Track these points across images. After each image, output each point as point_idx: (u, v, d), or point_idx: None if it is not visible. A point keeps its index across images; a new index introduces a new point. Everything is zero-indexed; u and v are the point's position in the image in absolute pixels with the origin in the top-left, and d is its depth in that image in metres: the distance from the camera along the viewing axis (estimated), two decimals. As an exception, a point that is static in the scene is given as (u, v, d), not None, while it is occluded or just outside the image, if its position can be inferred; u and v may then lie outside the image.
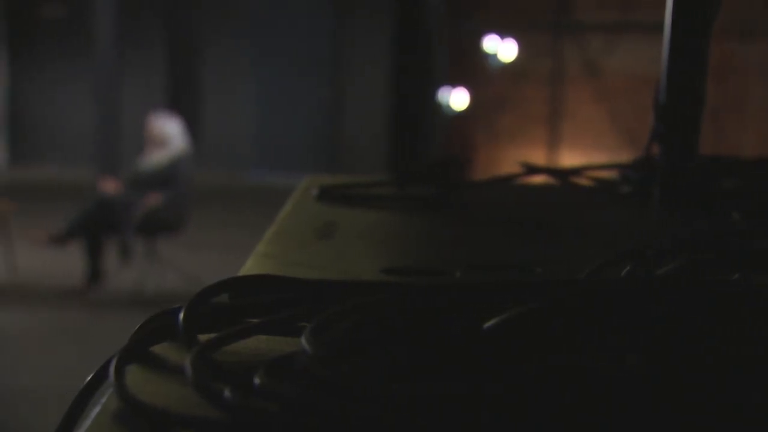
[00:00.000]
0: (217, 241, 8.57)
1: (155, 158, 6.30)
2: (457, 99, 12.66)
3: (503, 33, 12.66)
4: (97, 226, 6.20)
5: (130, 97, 12.49)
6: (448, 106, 12.60)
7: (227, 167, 14.02)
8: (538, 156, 12.51)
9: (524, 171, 1.12)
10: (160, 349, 0.52)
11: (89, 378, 0.50)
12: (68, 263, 6.77)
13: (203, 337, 0.51)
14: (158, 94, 13.55)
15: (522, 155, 12.52)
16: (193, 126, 11.28)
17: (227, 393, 0.41)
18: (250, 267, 0.74)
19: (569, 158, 12.60)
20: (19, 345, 5.04)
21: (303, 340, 0.46)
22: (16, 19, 14.49)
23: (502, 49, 12.66)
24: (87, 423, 0.43)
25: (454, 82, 12.67)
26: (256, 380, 0.42)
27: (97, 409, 0.44)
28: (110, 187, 6.36)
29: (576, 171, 1.16)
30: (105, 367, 0.50)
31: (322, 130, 14.16)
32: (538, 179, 1.23)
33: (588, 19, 12.69)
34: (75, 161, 13.30)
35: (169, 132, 6.32)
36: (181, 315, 0.50)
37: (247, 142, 14.27)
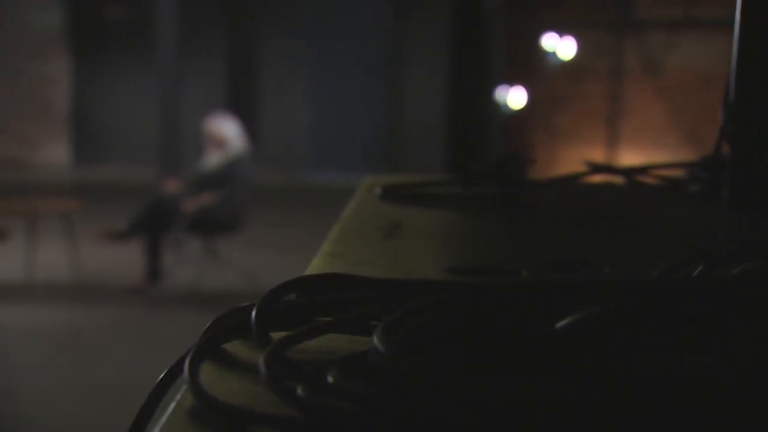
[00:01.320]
0: (275, 240, 8.63)
1: (214, 159, 6.37)
2: (515, 98, 12.58)
3: (562, 31, 12.56)
4: (157, 225, 6.28)
5: (190, 98, 12.64)
6: (506, 105, 12.54)
7: (284, 167, 14.12)
8: (596, 155, 12.38)
9: (589, 170, 1.11)
10: (231, 346, 0.52)
11: (162, 375, 0.51)
12: (129, 261, 6.87)
13: (275, 335, 0.51)
14: (217, 95, 13.70)
15: (580, 154, 12.40)
16: (251, 126, 11.39)
17: (300, 391, 0.42)
18: (316, 266, 0.75)
19: (628, 157, 12.45)
20: (82, 342, 5.13)
21: (375, 339, 0.46)
22: (81, 21, 14.76)
23: (561, 47, 12.55)
24: (162, 420, 0.43)
25: (511, 81, 12.60)
26: (329, 379, 0.43)
27: (171, 407, 0.44)
28: (172, 186, 6.45)
29: (642, 169, 1.14)
30: (178, 365, 0.50)
31: (379, 130, 14.19)
32: (599, 178, 1.21)
33: (649, 16, 12.52)
34: (137, 161, 13.52)
35: (228, 133, 6.39)
36: (254, 313, 0.50)
37: (304, 142, 14.35)
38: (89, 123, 14.94)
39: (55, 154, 15.02)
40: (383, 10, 14.01)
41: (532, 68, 12.79)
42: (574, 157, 12.59)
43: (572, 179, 1.13)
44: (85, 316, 5.64)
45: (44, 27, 14.79)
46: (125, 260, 6.99)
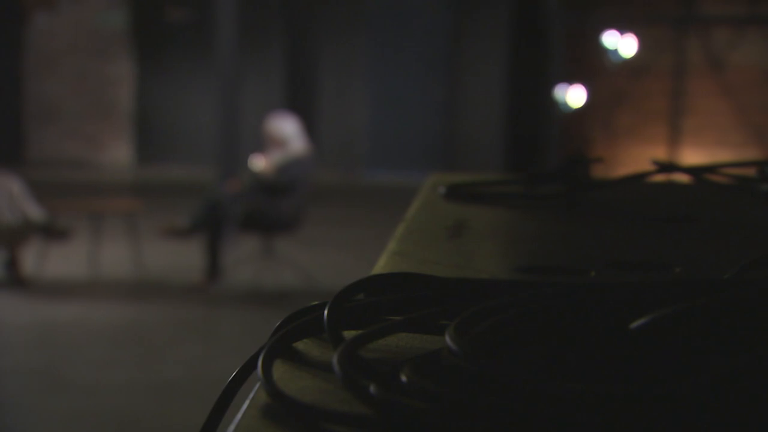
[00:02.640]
0: (333, 239, 8.67)
1: (274, 158, 6.41)
2: (575, 96, 12.47)
3: (622, 28, 12.41)
4: (216, 224, 6.35)
5: (249, 99, 12.76)
6: (565, 103, 12.43)
7: (343, 166, 14.18)
8: (658, 153, 12.20)
9: (657, 168, 1.09)
10: (302, 345, 0.53)
11: (234, 373, 0.51)
12: (189, 260, 6.96)
13: (346, 334, 0.51)
14: (276, 96, 13.81)
15: (641, 153, 12.25)
16: (309, 126, 11.45)
17: (374, 390, 0.41)
18: (382, 265, 0.74)
19: (691, 155, 12.25)
20: (143, 339, 5.21)
21: (448, 338, 0.46)
22: (144, 23, 14.99)
23: (622, 44, 12.41)
24: (237, 418, 0.43)
25: (571, 79, 12.49)
26: (403, 377, 0.42)
27: (245, 405, 0.45)
28: (234, 186, 6.51)
29: (711, 168, 1.12)
30: (250, 363, 0.51)
31: (437, 129, 14.17)
32: (659, 177, 1.19)
33: (713, 12, 12.31)
34: (197, 161, 13.68)
35: (288, 132, 6.41)
36: (326, 312, 0.50)
37: (362, 142, 14.40)
38: (151, 123, 15.16)
39: (118, 154, 15.28)
40: (442, 10, 13.99)
41: (592, 66, 12.66)
42: (634, 156, 12.44)
43: (639, 178, 1.11)
44: (147, 313, 5.73)
45: (109, 28, 15.06)
46: (186, 259, 7.09)
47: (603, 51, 12.54)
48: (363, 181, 13.87)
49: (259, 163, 6.41)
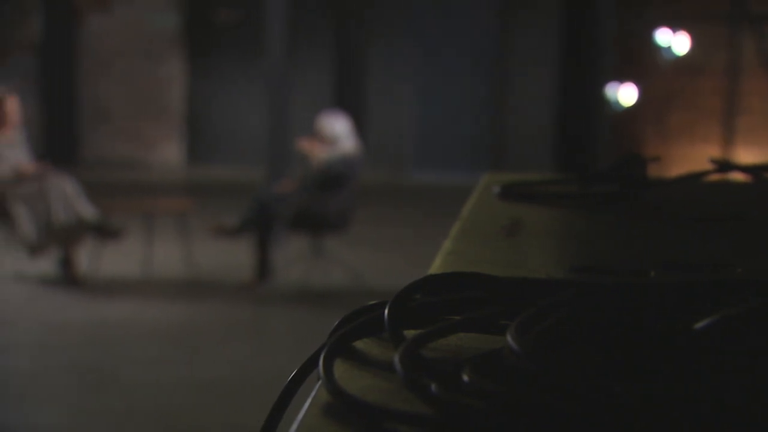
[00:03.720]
0: (380, 238, 8.68)
1: (323, 157, 6.42)
2: (626, 94, 12.34)
3: (674, 26, 12.25)
4: (265, 224, 6.39)
5: (298, 98, 12.82)
6: (617, 102, 12.31)
7: (390, 166, 14.19)
8: (711, 152, 12.02)
9: (715, 168, 1.07)
10: (361, 344, 0.53)
11: (294, 372, 0.51)
12: (239, 259, 7.01)
13: (406, 333, 0.51)
14: (325, 95, 13.86)
15: (694, 152, 12.08)
16: (357, 126, 11.47)
17: (436, 389, 0.41)
18: (438, 265, 0.74)
19: (745, 155, 12.05)
20: (195, 338, 5.26)
21: (509, 338, 0.45)
22: (195, 24, 15.15)
23: (675, 42, 12.25)
24: (299, 417, 0.43)
25: (621, 78, 12.36)
26: (465, 377, 0.42)
27: (306, 404, 0.45)
28: (286, 187, 6.54)
29: (770, 167, 1.10)
30: (310, 362, 0.51)
31: (485, 129, 14.12)
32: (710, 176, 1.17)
33: (767, 9, 12.10)
34: (247, 160, 13.79)
35: (339, 131, 6.43)
36: (386, 311, 0.50)
37: (409, 141, 14.39)
38: (202, 123, 15.31)
39: (169, 154, 15.45)
40: (489, 8, 13.93)
41: (644, 64, 12.52)
42: (687, 155, 12.28)
43: (697, 177, 1.09)
44: (197, 312, 5.78)
45: (160, 29, 15.23)
46: (236, 258, 7.14)
47: (655, 49, 12.39)
48: (410, 180, 13.86)
49: (308, 146, 6.44)
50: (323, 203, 6.33)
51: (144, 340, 5.13)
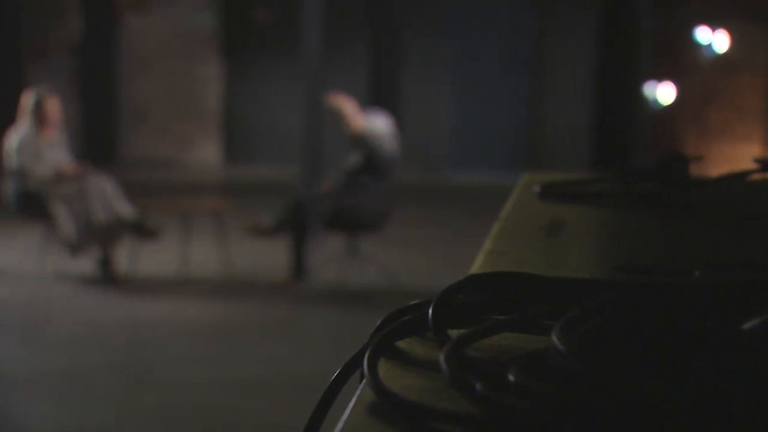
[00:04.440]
0: (416, 238, 8.68)
1: (361, 156, 6.41)
2: (664, 93, 12.23)
3: (713, 24, 12.12)
4: (301, 223, 6.41)
5: (334, 98, 12.82)
6: (655, 101, 12.20)
7: (426, 165, 14.17)
8: (752, 151, 11.88)
9: (759, 167, 1.06)
10: (404, 343, 0.53)
11: (338, 372, 0.51)
12: (276, 259, 7.04)
13: (451, 333, 0.51)
14: (361, 94, 13.87)
15: (734, 151, 11.95)
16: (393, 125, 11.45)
17: (481, 388, 0.41)
18: (480, 264, 0.74)
19: (786, 154, 11.88)
20: (231, 337, 5.29)
21: (554, 338, 0.45)
22: (231, 23, 15.24)
23: (715, 40, 12.12)
24: (344, 416, 0.43)
25: (660, 76, 12.25)
26: (510, 376, 0.42)
27: (351, 403, 0.45)
28: (326, 186, 6.55)
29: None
30: (353, 361, 0.51)
31: (522, 128, 14.06)
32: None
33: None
34: (284, 160, 13.84)
35: (379, 130, 6.42)
36: (431, 311, 0.50)
37: (446, 141, 14.37)
38: (239, 123, 15.40)
39: (207, 153, 15.56)
40: (527, 6, 13.87)
41: (683, 63, 12.39)
42: (727, 154, 12.14)
43: (740, 176, 1.08)
44: (233, 311, 5.81)
45: (197, 29, 15.34)
46: (272, 258, 7.17)
47: (695, 47, 12.27)
48: (446, 180, 13.84)
49: (339, 101, 6.49)
50: (359, 202, 6.33)
51: (181, 339, 5.17)
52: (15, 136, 6.55)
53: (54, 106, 6.61)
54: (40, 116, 6.53)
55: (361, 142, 6.30)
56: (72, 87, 14.83)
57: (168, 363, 4.72)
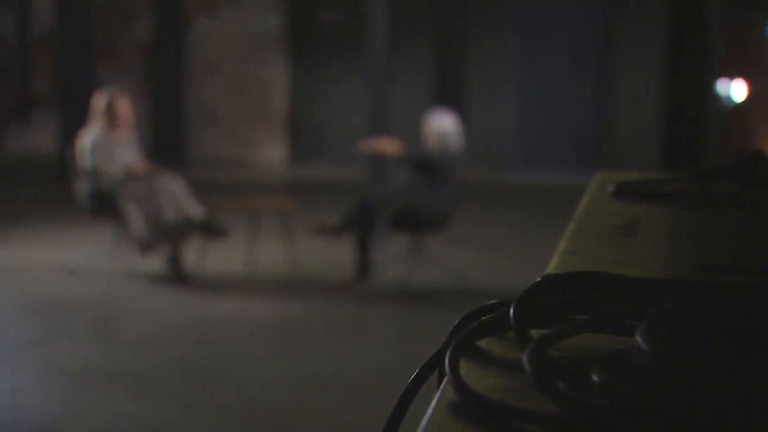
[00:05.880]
0: (480, 237, 8.64)
1: (432, 150, 6.39)
2: (736, 90, 11.98)
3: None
4: (367, 223, 6.42)
5: (399, 98, 12.87)
6: (727, 98, 11.96)
7: (491, 164, 14.10)
8: (826, 150, 11.57)
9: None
10: (483, 343, 0.52)
11: (418, 370, 0.51)
12: (341, 258, 7.08)
13: (532, 333, 0.51)
14: (426, 94, 13.86)
15: (808, 150, 11.65)
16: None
17: (565, 389, 0.41)
18: (556, 264, 0.73)
19: None
20: (297, 336, 5.33)
21: (638, 338, 0.44)
22: (297, 24, 15.35)
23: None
24: (427, 415, 0.43)
25: (731, 73, 12.00)
26: (594, 377, 0.42)
27: (433, 402, 0.45)
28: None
29: None
30: (433, 360, 0.51)
31: (588, 128, 13.90)
32: None
33: None
34: (349, 160, 13.89)
35: (446, 129, 6.43)
36: (512, 311, 0.50)
37: (511, 140, 14.28)
38: (304, 124, 15.50)
39: (273, 154, 15.70)
40: (594, 3, 13.71)
41: (754, 59, 12.13)
42: (800, 152, 11.83)
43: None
44: (299, 310, 5.85)
45: (263, 30, 15.49)
46: (337, 257, 7.21)
47: (765, 44, 11.99)
48: (511, 179, 13.76)
49: (374, 145, 6.54)
50: (424, 201, 6.33)
51: (248, 338, 5.22)
52: (88, 137, 6.69)
53: (125, 107, 6.73)
54: (111, 116, 6.66)
55: (429, 158, 6.32)
56: (142, 88, 15.09)
57: (236, 361, 4.78)
